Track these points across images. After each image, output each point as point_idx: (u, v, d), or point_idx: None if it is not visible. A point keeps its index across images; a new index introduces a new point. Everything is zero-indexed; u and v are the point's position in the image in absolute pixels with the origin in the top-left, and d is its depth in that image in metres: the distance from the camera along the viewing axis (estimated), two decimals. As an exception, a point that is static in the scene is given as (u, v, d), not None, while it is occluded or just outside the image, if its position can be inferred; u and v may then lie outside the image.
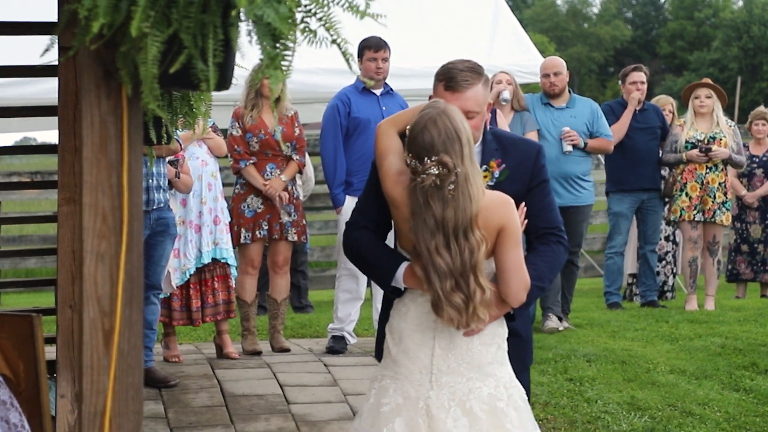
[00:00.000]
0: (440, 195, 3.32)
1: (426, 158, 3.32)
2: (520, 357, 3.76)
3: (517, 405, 3.46)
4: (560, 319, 8.06)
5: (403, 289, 3.54)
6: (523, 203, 3.68)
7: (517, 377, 3.58)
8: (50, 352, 3.85)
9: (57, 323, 3.21)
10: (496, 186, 3.64)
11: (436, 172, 3.31)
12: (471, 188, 3.34)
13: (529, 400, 3.68)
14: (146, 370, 6.06)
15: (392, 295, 3.58)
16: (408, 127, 3.44)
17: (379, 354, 3.72)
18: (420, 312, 3.48)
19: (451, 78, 3.65)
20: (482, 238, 3.36)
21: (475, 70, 3.69)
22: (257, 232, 7.24)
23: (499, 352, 3.53)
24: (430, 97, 3.71)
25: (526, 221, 3.69)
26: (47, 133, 14.66)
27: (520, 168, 3.76)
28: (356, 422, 3.60)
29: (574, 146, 8.14)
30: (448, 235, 3.33)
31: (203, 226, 6.96)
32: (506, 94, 7.91)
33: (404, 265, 3.52)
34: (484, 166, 3.73)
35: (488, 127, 3.83)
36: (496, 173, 3.73)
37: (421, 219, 3.36)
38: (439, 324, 3.46)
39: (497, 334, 3.53)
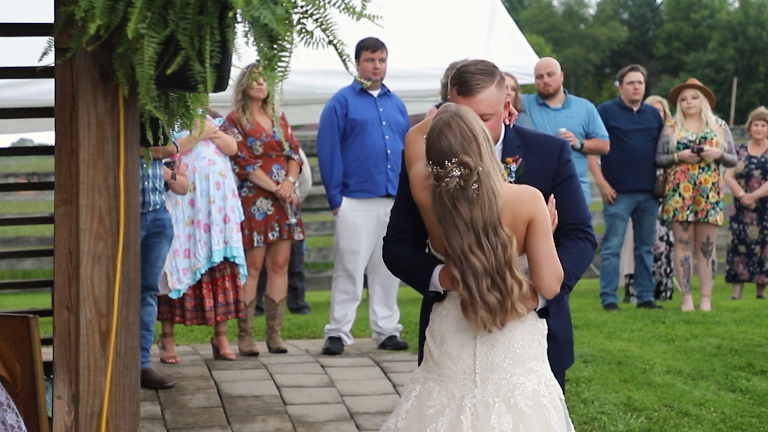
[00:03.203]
0: (466, 196, 3.36)
1: (446, 162, 3.35)
2: (558, 358, 3.73)
3: (556, 404, 3.48)
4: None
5: (442, 292, 3.56)
6: (552, 197, 3.65)
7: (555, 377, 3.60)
8: (47, 353, 3.85)
9: (54, 324, 3.20)
10: (518, 182, 3.64)
11: (459, 173, 3.35)
12: (494, 184, 3.37)
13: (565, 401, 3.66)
14: (143, 371, 6.06)
15: (433, 300, 3.61)
16: (425, 136, 3.46)
17: (420, 357, 3.72)
18: (460, 313, 3.49)
19: (463, 82, 3.65)
20: (511, 233, 3.39)
21: (486, 72, 3.67)
22: (270, 234, 7.22)
23: (539, 348, 3.54)
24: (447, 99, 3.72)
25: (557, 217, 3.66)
26: (44, 134, 14.64)
27: (544, 165, 3.74)
28: (391, 420, 3.58)
29: (571, 147, 8.14)
30: (478, 234, 3.37)
31: (213, 225, 6.91)
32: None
33: (438, 268, 3.55)
34: (503, 164, 3.73)
35: (511, 125, 3.82)
36: (513, 167, 3.73)
37: (451, 223, 3.39)
38: None
39: (537, 329, 3.54)
